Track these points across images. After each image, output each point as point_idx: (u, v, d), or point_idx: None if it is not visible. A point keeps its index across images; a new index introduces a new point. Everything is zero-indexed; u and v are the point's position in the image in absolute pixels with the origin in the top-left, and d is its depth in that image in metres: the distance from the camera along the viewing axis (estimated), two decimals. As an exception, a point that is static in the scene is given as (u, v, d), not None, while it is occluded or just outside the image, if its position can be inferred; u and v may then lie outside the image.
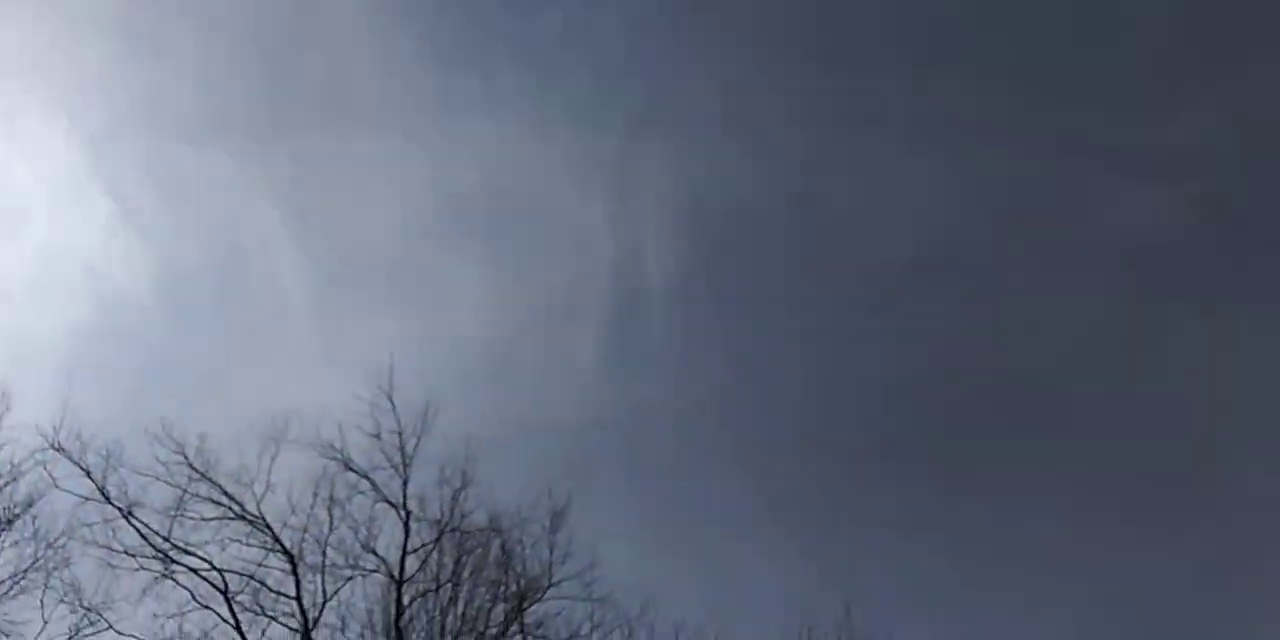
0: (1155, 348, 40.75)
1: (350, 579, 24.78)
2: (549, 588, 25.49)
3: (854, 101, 40.85)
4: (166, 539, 24.36)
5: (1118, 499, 35.78)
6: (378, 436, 26.04)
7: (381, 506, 25.72)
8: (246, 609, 24.03)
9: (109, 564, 24.26)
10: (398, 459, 26.08)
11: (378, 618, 24.52)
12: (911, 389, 37.10)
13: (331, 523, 25.25)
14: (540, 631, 24.83)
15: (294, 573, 24.51)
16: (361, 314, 35.09)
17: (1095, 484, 35.85)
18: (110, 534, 24.42)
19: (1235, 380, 39.40)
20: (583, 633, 24.89)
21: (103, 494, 24.61)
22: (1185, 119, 42.37)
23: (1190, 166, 42.65)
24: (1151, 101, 42.78)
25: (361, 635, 24.28)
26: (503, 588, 25.48)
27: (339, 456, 25.83)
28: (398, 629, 24.09)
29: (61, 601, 24.16)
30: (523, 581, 25.59)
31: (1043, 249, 42.11)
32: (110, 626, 24.01)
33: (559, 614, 25.19)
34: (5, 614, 24.01)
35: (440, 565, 25.50)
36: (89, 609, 24.05)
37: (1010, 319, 39.18)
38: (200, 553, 24.40)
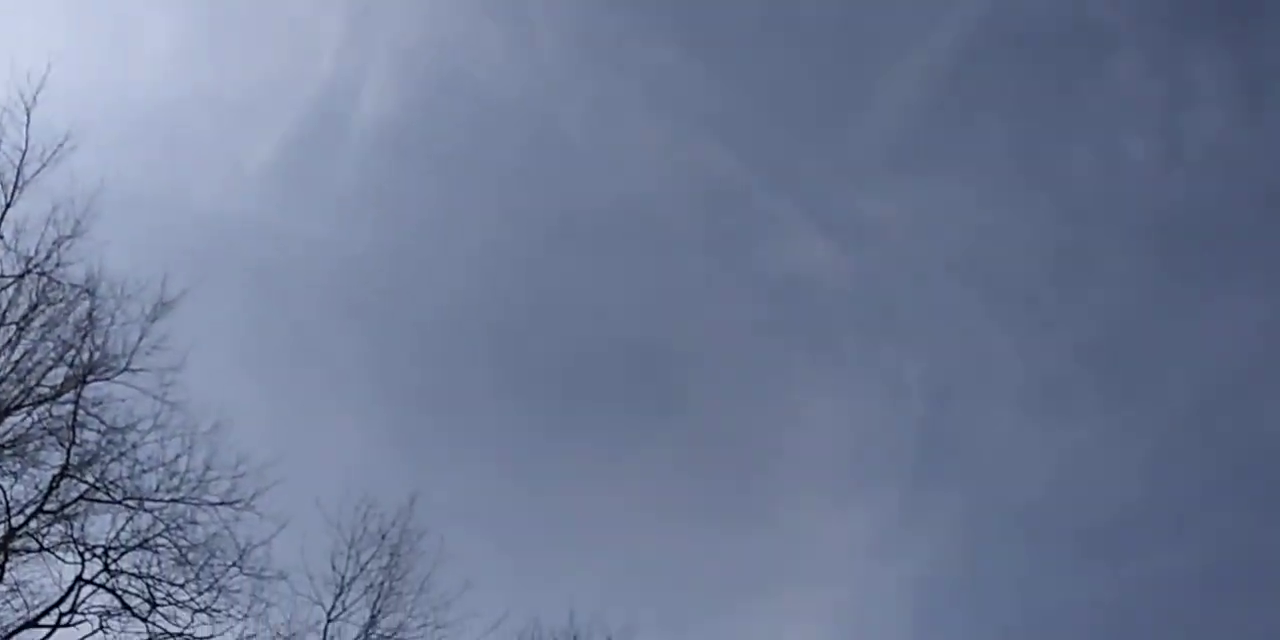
0: (768, 373, 43.08)
1: (-100, 277, 20.98)
2: (123, 372, 22.59)
3: (627, 47, 40.43)
4: None
5: (687, 487, 37.08)
6: (-4, 145, 22.51)
7: (-30, 217, 22.10)
8: None
9: None
10: (10, 177, 22.64)
11: (-84, 328, 20.85)
12: (561, 312, 36.80)
13: (-98, 212, 21.31)
14: (97, 410, 21.91)
15: None
16: (27, 10, 30.16)
17: (678, 466, 36.98)
18: None
19: (815, 424, 42.33)
20: (141, 428, 22.20)
21: None
22: (889, 193, 45.23)
23: (870, 237, 45.64)
24: (867, 172, 45.43)
25: (-110, 339, 20.49)
26: (73, 352, 22.33)
27: (-58, 148, 22.07)
28: (-64, 348, 20.56)
29: None
30: (97, 355, 22.56)
31: (719, 253, 43.51)
32: None
33: (124, 401, 22.39)
34: None
35: (13, 303, 22.04)
36: None
37: (670, 298, 39.91)
38: None
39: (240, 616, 21.90)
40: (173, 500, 22.03)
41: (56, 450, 21.46)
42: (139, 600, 21.49)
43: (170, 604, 21.58)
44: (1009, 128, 46.70)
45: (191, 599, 21.53)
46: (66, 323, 22.70)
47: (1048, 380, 46.93)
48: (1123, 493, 44.87)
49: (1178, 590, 41.91)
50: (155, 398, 22.68)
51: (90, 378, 22.18)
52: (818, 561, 41.70)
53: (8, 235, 22.54)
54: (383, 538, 24.45)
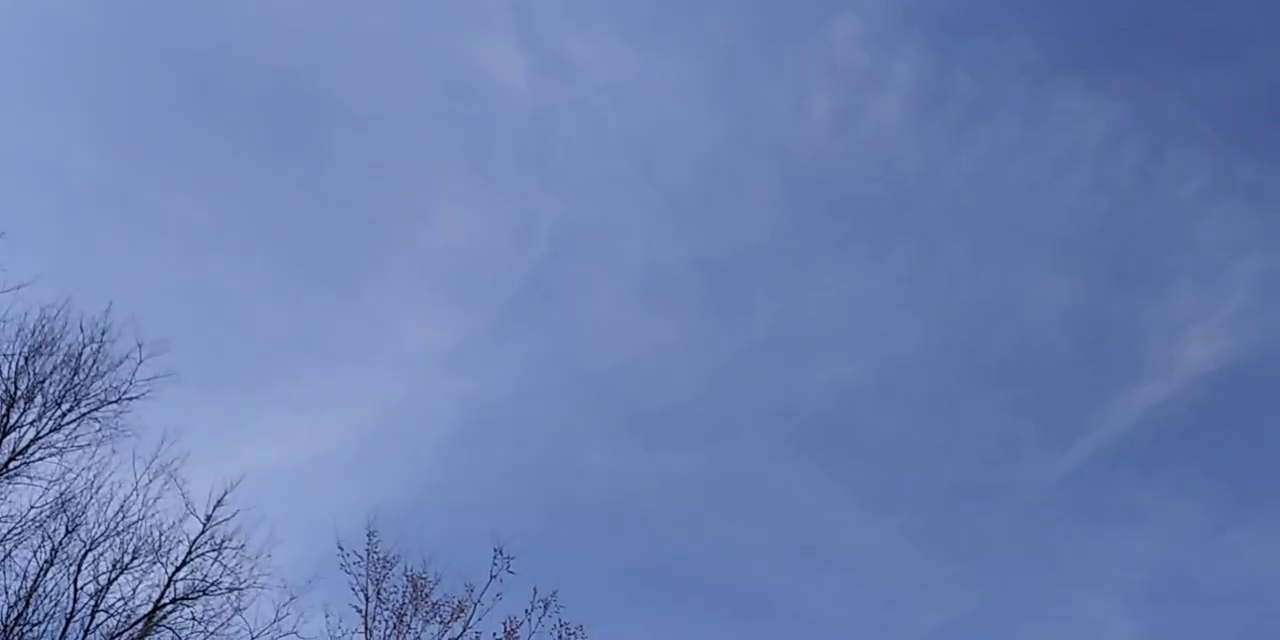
0: (418, 163, 42.59)
1: None
2: None
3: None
4: None
5: (295, 238, 35.40)
6: None
7: None
8: None
9: None
10: None
11: None
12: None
13: None
14: None
15: None
16: None
17: (296, 212, 35.37)
18: None
19: (447, 229, 42.58)
20: None
21: None
22: (600, 42, 45.31)
23: (563, 70, 45.80)
24: (591, 13, 45.26)
25: None
26: None
27: None
28: None
29: None
30: None
31: (410, 27, 41.78)
32: None
33: None
34: None
35: None
36: None
37: (348, 52, 37.80)
38: None
39: None
40: None
41: None
42: None
43: None
44: (730, 28, 47.74)
45: None
46: None
47: (664, 277, 49.01)
48: (689, 388, 47.47)
49: (710, 490, 45.08)
50: None
51: None
52: (391, 352, 41.39)
53: None
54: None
